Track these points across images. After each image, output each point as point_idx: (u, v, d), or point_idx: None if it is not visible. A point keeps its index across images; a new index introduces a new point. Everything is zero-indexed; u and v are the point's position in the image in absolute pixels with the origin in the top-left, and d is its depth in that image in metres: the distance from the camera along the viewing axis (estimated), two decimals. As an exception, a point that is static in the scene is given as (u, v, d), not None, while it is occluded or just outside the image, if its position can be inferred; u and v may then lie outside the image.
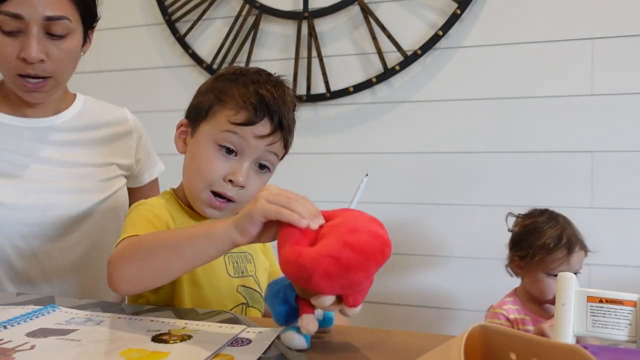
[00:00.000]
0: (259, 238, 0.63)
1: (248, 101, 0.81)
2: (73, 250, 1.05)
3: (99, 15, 1.03)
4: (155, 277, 0.70)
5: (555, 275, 1.34)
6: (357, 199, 0.88)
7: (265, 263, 0.98)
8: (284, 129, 0.83)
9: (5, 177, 0.99)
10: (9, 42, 0.92)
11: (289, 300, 0.64)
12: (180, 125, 0.89)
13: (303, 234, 0.59)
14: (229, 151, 0.82)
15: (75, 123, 1.10)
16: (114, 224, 1.10)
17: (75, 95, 1.14)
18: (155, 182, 1.24)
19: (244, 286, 0.89)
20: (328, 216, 0.62)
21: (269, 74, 0.87)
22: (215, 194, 0.83)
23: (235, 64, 1.87)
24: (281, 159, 0.88)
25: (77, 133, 1.09)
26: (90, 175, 1.07)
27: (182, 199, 0.89)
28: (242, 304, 0.89)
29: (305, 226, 0.59)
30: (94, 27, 1.04)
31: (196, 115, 0.86)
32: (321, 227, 0.61)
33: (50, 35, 0.93)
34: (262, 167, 0.85)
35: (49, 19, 0.92)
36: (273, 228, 0.62)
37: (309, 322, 0.60)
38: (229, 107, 0.82)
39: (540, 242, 1.35)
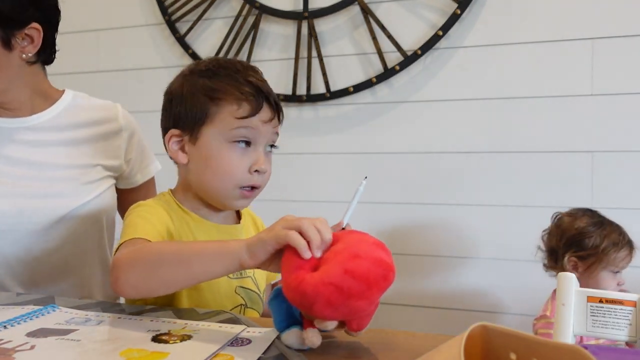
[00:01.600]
0: (267, 266, 0.64)
1: (246, 92, 0.82)
2: (50, 257, 1.00)
3: (34, 15, 0.95)
4: (160, 287, 0.70)
5: (617, 272, 1.37)
6: (355, 202, 0.89)
7: None
8: (279, 108, 0.86)
9: None
10: None
11: (293, 314, 0.64)
12: (171, 137, 0.86)
13: (304, 260, 0.59)
14: (244, 143, 0.84)
15: (56, 122, 1.05)
16: (95, 229, 1.06)
17: (63, 92, 1.09)
18: (150, 182, 1.19)
19: (243, 287, 0.89)
20: (333, 239, 0.62)
21: (239, 61, 0.88)
22: (243, 187, 0.85)
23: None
24: None
25: (58, 133, 1.04)
26: (70, 177, 1.02)
27: (182, 201, 0.89)
28: (241, 305, 0.89)
29: (308, 257, 0.59)
30: (24, 28, 0.95)
31: (191, 121, 0.84)
32: (324, 250, 0.60)
33: None
34: (270, 147, 0.88)
35: None
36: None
37: (313, 336, 0.60)
38: (228, 103, 0.82)
39: (610, 240, 1.37)
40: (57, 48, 1.06)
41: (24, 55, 0.98)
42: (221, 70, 0.85)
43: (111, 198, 1.10)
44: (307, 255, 0.58)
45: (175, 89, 0.87)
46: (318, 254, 0.59)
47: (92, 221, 1.05)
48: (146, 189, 1.18)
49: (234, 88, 0.83)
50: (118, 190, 1.15)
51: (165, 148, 0.89)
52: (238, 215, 0.97)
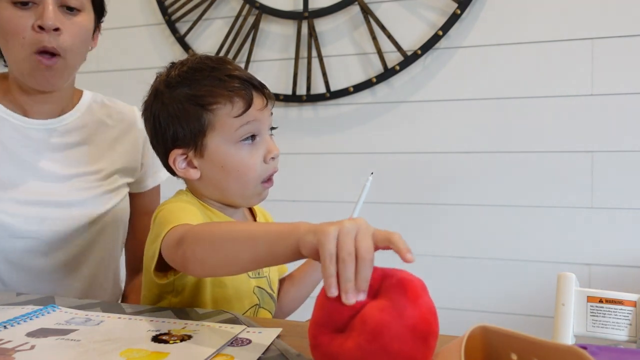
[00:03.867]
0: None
1: (233, 88, 0.81)
2: (67, 266, 1.01)
3: (106, 8, 1.04)
4: (225, 264, 0.65)
5: None
6: (363, 197, 0.88)
7: None
8: (266, 90, 0.85)
9: (2, 188, 0.95)
10: (23, 14, 0.91)
11: None
12: (175, 157, 0.84)
13: (330, 311, 0.52)
14: (250, 138, 0.83)
15: (80, 123, 1.05)
16: (111, 239, 1.06)
17: (82, 92, 1.10)
18: (157, 189, 1.18)
19: (259, 287, 0.89)
20: (375, 277, 0.53)
21: (208, 57, 0.87)
22: (264, 180, 0.85)
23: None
24: None
25: (81, 135, 1.04)
26: (93, 186, 1.03)
27: (203, 200, 0.88)
28: (256, 305, 0.88)
29: (332, 296, 0.51)
30: (101, 20, 1.03)
31: (191, 136, 0.82)
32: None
33: (65, 9, 0.93)
34: (271, 130, 0.87)
35: None
36: None
37: None
38: (222, 105, 0.81)
39: None
40: None
41: (90, 48, 1.02)
42: (197, 74, 0.83)
43: (127, 205, 1.10)
44: (332, 293, 0.51)
45: (158, 110, 0.85)
46: (347, 302, 0.51)
47: (111, 228, 1.05)
48: (151, 196, 1.17)
49: (220, 88, 0.81)
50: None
51: (169, 170, 0.88)
52: (251, 213, 0.97)
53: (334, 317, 0.52)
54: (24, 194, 0.96)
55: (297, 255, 0.57)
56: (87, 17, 0.98)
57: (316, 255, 0.53)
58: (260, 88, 0.84)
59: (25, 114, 1.00)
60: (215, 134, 0.82)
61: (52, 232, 0.97)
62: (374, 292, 0.53)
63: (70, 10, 0.94)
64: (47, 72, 0.93)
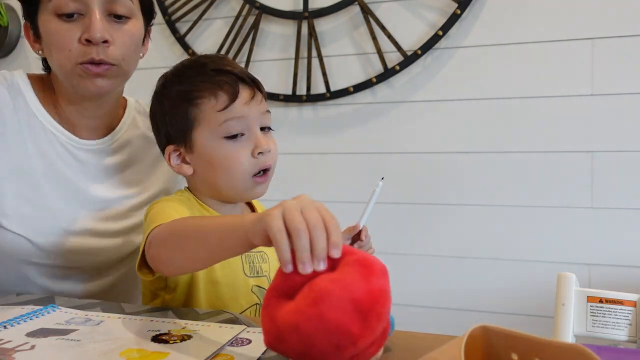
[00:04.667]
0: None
1: (218, 81, 0.81)
2: (105, 292, 0.99)
3: (155, 11, 0.98)
4: (187, 263, 0.67)
5: None
6: (372, 203, 0.88)
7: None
8: (257, 84, 0.84)
9: (46, 213, 0.90)
10: (69, 27, 0.84)
11: None
12: (169, 154, 0.85)
13: (286, 278, 0.53)
14: (239, 135, 0.82)
15: (126, 138, 1.00)
16: None
17: (126, 100, 1.05)
18: None
19: (258, 286, 0.89)
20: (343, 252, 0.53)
21: (204, 55, 0.88)
22: (254, 175, 0.83)
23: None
24: None
25: (127, 154, 1.00)
26: (137, 214, 0.99)
27: (200, 198, 0.88)
28: (256, 304, 0.88)
29: (288, 272, 0.52)
30: (151, 24, 0.98)
31: (179, 132, 0.83)
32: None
33: (112, 17, 0.87)
34: (266, 129, 0.86)
35: None
36: None
37: None
38: (206, 99, 0.81)
39: None
40: None
41: (141, 55, 0.98)
42: (188, 70, 0.84)
43: None
44: (288, 269, 0.52)
45: (155, 110, 0.87)
46: (303, 271, 0.51)
47: None
48: None
49: (205, 82, 0.81)
50: None
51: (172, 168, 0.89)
52: (252, 209, 0.97)
53: (287, 284, 0.53)
54: (71, 223, 0.93)
55: (249, 246, 0.58)
56: (136, 24, 0.91)
57: (268, 241, 0.53)
58: (249, 81, 0.83)
59: (73, 130, 0.95)
60: (201, 128, 0.82)
61: (94, 262, 0.96)
62: (332, 265, 0.53)
63: (119, 18, 0.88)
64: (99, 79, 0.88)
